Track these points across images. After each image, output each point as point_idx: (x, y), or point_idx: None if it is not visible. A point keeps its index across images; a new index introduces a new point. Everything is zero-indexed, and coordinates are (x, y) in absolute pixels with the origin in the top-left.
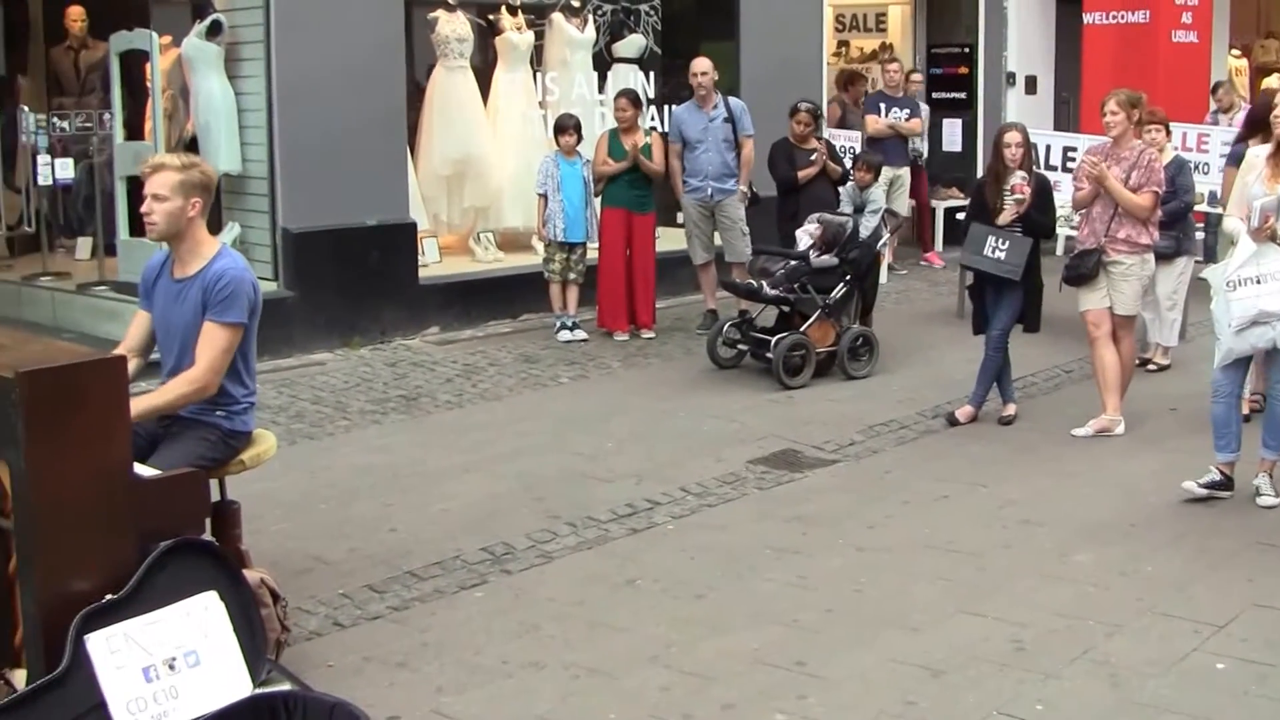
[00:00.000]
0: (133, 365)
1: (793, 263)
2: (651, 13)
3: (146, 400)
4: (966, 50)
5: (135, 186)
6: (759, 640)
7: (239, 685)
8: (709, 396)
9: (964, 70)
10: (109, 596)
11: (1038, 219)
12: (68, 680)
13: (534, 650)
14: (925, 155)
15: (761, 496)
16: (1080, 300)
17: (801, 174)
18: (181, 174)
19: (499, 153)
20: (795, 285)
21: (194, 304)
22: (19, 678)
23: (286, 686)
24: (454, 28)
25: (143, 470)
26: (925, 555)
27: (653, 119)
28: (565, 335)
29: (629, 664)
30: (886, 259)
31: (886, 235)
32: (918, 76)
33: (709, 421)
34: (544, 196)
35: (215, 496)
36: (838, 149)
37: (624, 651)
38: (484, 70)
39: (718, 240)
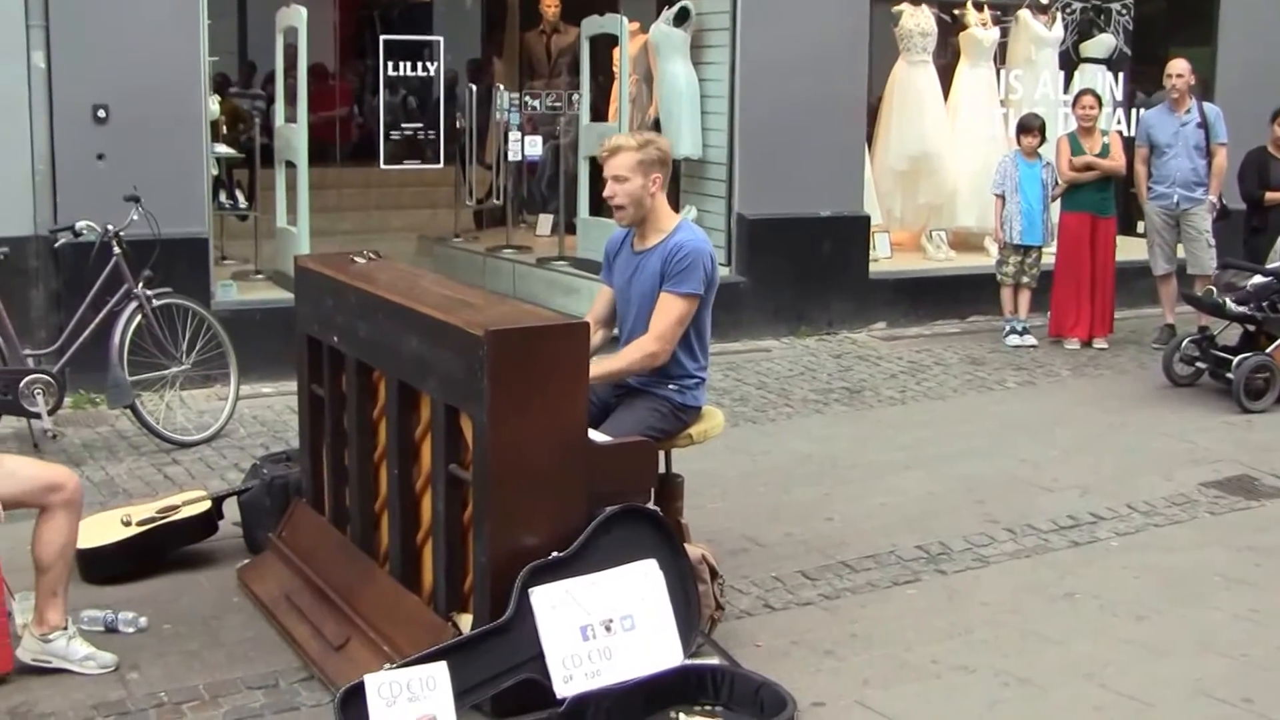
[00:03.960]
0: (598, 336)
1: (1262, 279)
2: (1124, 12)
3: (600, 365)
4: None
5: (598, 167)
6: (1202, 671)
7: (670, 654)
8: (1161, 413)
9: None
10: (555, 554)
11: None
12: (511, 629)
13: (964, 653)
14: None
15: (1212, 522)
16: None
17: (1270, 196)
18: (639, 153)
19: (957, 150)
20: (1264, 303)
21: (652, 274)
22: (465, 622)
23: (716, 661)
24: (918, 22)
25: (595, 435)
26: None
27: (1118, 122)
28: (1014, 340)
29: (1061, 678)
30: None
31: None
32: None
33: (1160, 439)
34: (1001, 197)
35: (660, 468)
36: None
37: (1057, 665)
38: (946, 66)
39: (1180, 251)
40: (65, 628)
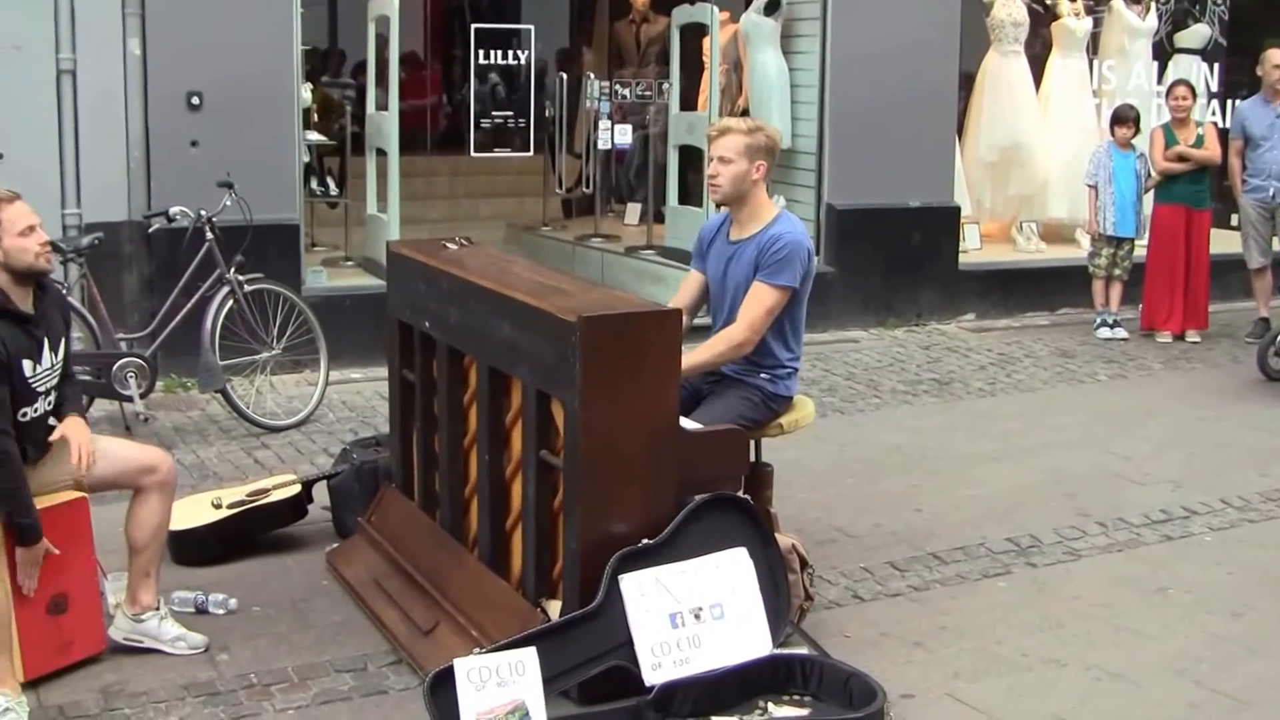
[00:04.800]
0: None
1: None
2: (1219, 1)
3: (688, 357)
4: None
5: (687, 156)
6: None
7: (759, 643)
8: (1255, 408)
9: None
10: (645, 541)
11: None
12: (600, 616)
13: (1055, 647)
14: None
15: None
16: None
17: None
18: (748, 137)
19: (1048, 141)
20: None
21: (748, 264)
22: (554, 608)
23: (804, 650)
24: (1010, 12)
25: (686, 423)
26: None
27: (1213, 113)
28: (1105, 332)
29: (1155, 674)
30: None
31: None
32: None
33: (1253, 434)
34: (1094, 188)
35: (750, 457)
36: None
37: (1150, 661)
38: (1038, 56)
39: (1276, 244)
40: (157, 608)
